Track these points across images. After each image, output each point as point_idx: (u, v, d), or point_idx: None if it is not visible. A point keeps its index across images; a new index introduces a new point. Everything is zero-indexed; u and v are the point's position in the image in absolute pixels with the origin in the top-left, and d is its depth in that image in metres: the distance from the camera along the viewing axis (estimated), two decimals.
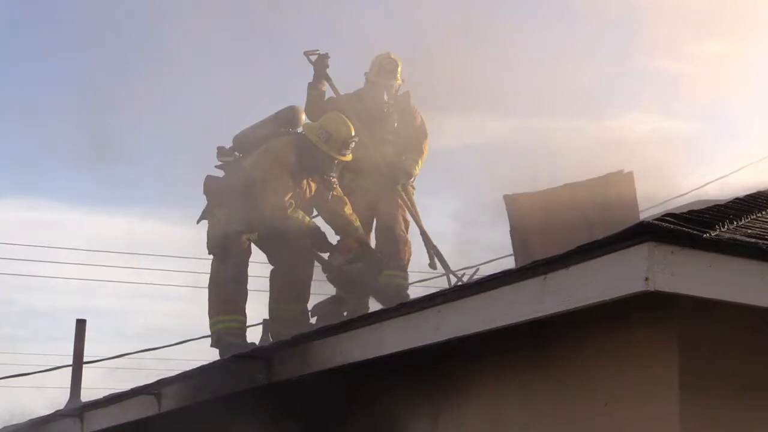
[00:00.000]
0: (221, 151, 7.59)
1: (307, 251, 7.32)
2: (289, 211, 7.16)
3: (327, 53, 7.79)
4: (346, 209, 7.44)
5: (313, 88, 7.78)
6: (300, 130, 7.51)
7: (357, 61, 7.98)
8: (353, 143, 7.33)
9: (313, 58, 7.79)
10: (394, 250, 7.56)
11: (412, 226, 7.79)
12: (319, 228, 7.30)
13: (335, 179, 7.42)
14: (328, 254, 7.38)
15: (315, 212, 7.57)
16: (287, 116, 7.53)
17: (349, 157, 7.37)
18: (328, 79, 7.78)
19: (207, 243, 7.39)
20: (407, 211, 7.69)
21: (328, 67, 7.77)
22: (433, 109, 8.01)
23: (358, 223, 7.43)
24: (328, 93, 7.89)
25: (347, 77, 8.00)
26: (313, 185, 7.44)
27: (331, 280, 7.33)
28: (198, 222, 7.50)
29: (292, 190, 7.25)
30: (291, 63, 7.98)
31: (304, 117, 7.57)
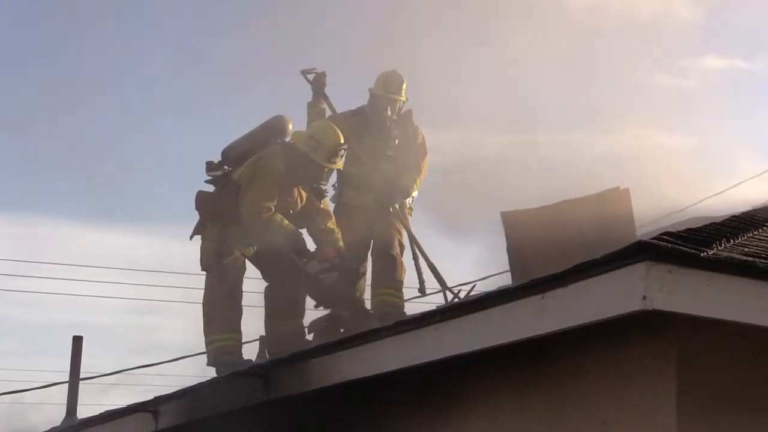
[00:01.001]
0: (210, 166, 7.58)
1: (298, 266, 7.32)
2: (267, 214, 7.12)
3: (324, 72, 7.80)
4: (329, 224, 7.45)
5: (312, 106, 7.79)
6: (288, 139, 7.52)
7: (355, 79, 7.99)
8: (343, 151, 7.34)
9: (311, 76, 7.80)
10: (390, 270, 7.54)
11: (407, 251, 7.75)
12: (298, 232, 7.22)
13: (325, 187, 7.42)
14: (305, 260, 7.31)
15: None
16: (275, 126, 7.53)
17: (339, 165, 7.38)
18: (326, 98, 7.79)
19: (200, 259, 7.37)
20: (403, 235, 7.67)
21: (325, 85, 7.78)
22: (431, 125, 8.01)
23: (339, 236, 7.43)
24: (328, 112, 7.89)
25: (345, 95, 8.01)
26: (304, 194, 7.44)
27: (306, 287, 7.30)
28: (191, 238, 7.48)
29: (279, 199, 7.21)
30: (289, 82, 7.97)
31: (291, 126, 7.59)
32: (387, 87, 7.78)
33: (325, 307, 7.32)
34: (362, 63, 8.03)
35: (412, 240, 7.65)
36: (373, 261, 7.63)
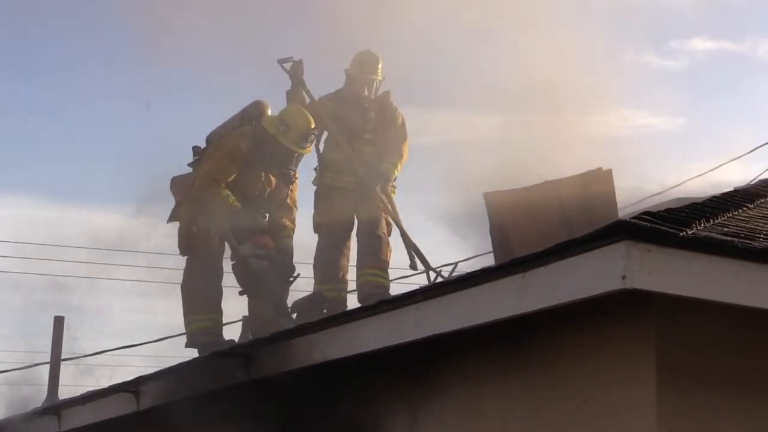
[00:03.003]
0: (196, 150, 7.66)
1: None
2: (216, 187, 7.15)
3: (301, 59, 7.75)
4: (285, 219, 7.44)
5: (291, 95, 7.75)
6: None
7: (338, 61, 7.95)
8: (313, 136, 7.37)
9: (288, 65, 7.76)
10: (376, 250, 7.53)
11: (394, 230, 7.73)
12: (240, 211, 7.18)
13: (294, 173, 7.41)
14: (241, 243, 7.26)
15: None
16: (253, 111, 7.56)
17: (308, 150, 7.40)
18: (304, 86, 7.74)
19: (178, 243, 7.38)
20: (388, 214, 7.65)
21: (303, 73, 7.73)
22: (417, 105, 7.97)
23: (290, 233, 7.43)
24: (308, 100, 7.85)
25: (327, 77, 7.97)
26: (273, 181, 7.42)
27: (234, 268, 7.26)
28: (168, 222, 7.50)
29: (242, 180, 7.23)
30: (268, 72, 7.92)
31: (269, 111, 7.58)
32: (363, 67, 7.76)
33: (247, 295, 7.26)
34: (345, 42, 7.98)
35: (395, 220, 7.64)
36: (358, 241, 7.62)
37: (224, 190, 7.16)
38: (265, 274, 7.16)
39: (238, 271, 7.21)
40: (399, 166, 7.69)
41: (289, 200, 7.49)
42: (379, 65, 7.81)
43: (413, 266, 7.68)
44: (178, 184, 7.52)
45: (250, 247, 7.16)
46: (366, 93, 7.74)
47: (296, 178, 7.49)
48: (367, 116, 7.68)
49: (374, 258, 7.53)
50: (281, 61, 7.79)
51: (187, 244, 7.28)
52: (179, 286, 7.44)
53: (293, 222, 7.50)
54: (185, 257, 7.36)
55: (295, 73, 7.74)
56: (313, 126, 7.34)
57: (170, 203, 7.52)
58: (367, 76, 7.74)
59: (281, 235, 7.40)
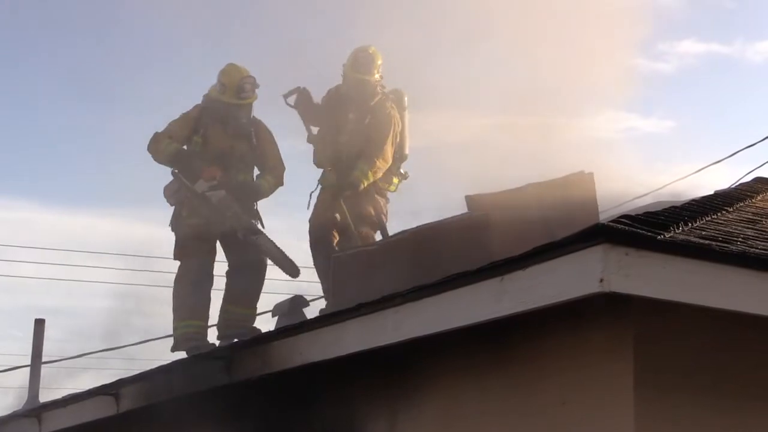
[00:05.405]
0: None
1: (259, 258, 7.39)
2: (160, 140, 7.38)
3: (305, 88, 7.59)
4: (268, 176, 7.61)
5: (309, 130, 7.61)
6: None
7: (331, 57, 7.88)
8: (249, 85, 7.49)
9: (292, 100, 7.60)
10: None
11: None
12: (182, 152, 7.40)
13: (246, 122, 7.53)
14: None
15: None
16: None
17: (249, 100, 7.53)
18: (308, 120, 7.60)
19: (173, 250, 7.41)
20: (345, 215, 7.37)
21: (311, 99, 7.58)
22: (410, 106, 7.89)
23: (266, 185, 7.56)
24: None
25: (323, 74, 7.90)
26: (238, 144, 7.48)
27: (194, 206, 7.33)
28: (170, 227, 7.52)
29: (209, 143, 7.41)
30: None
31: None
32: (356, 66, 7.48)
33: (215, 228, 7.35)
34: (339, 43, 7.91)
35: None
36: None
37: (166, 140, 7.40)
38: (225, 201, 7.30)
39: (201, 210, 7.31)
40: (369, 175, 7.38)
41: (273, 160, 7.64)
42: (376, 63, 7.49)
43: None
44: (165, 188, 7.55)
45: (203, 183, 7.33)
46: (356, 94, 7.46)
47: (249, 129, 7.56)
48: (346, 117, 7.55)
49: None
50: (286, 96, 7.63)
51: (181, 250, 7.32)
52: (164, 288, 7.47)
53: (277, 178, 7.60)
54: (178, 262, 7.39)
55: (301, 104, 7.59)
56: (245, 74, 7.46)
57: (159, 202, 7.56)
58: (360, 75, 7.50)
59: (256, 184, 7.61)
